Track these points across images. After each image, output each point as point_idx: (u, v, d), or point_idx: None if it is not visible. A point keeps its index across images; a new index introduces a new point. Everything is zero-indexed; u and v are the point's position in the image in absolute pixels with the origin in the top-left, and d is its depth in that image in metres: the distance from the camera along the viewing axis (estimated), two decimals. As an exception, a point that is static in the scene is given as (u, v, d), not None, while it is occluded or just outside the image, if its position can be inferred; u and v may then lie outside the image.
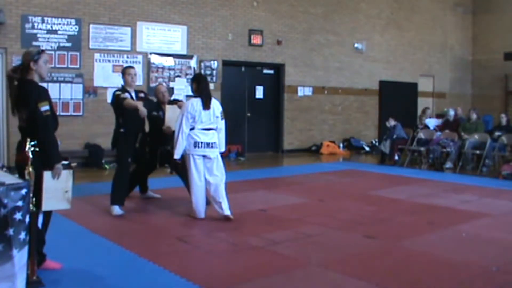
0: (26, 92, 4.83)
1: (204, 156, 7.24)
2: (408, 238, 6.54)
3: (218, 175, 7.29)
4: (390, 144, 14.17)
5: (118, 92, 7.75)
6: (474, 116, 13.97)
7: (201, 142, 7.18)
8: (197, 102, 7.20)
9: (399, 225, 7.32)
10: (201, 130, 7.20)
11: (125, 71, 7.92)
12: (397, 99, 19.13)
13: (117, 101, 7.63)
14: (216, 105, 7.38)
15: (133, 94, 7.86)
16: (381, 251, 6.00)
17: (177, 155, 7.20)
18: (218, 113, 7.38)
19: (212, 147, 7.26)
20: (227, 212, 7.22)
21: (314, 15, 17.20)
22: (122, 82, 8.01)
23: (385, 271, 5.28)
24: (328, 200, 9.02)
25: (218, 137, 7.37)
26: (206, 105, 7.21)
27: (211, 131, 7.28)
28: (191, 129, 7.19)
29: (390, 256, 5.83)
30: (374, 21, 19.02)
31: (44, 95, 4.86)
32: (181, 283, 4.88)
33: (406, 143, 14.15)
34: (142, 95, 8.17)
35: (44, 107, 4.76)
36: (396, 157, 14.11)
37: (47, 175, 4.70)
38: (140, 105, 7.52)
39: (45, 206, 4.78)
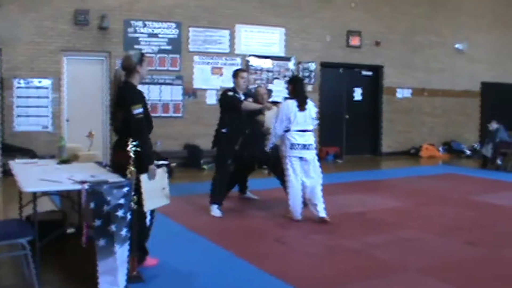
0: (124, 95, 4.97)
1: (301, 158, 7.25)
2: (511, 247, 6.33)
3: (314, 177, 7.30)
4: (492, 148, 13.70)
5: (231, 93, 7.89)
6: None
7: (298, 144, 7.20)
8: (292, 103, 7.28)
9: (502, 232, 7.09)
10: (297, 132, 7.23)
11: (237, 74, 8.00)
12: (500, 101, 18.42)
13: (232, 102, 7.80)
14: (311, 106, 7.45)
15: (242, 97, 7.95)
16: (482, 259, 5.83)
17: (267, 148, 7.62)
18: (314, 114, 7.45)
19: (308, 148, 7.28)
20: (322, 214, 7.22)
21: (415, 15, 16.87)
22: (225, 86, 8.12)
23: (485, 280, 5.14)
24: (427, 204, 8.85)
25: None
26: (302, 107, 7.27)
27: (307, 133, 7.31)
28: (287, 130, 7.24)
29: (491, 265, 5.65)
30: (478, 20, 18.42)
31: (138, 98, 4.95)
32: (277, 284, 4.93)
33: (509, 147, 13.64)
34: (250, 99, 8.27)
35: (137, 110, 4.83)
36: (499, 161, 13.62)
37: (144, 177, 4.84)
38: (263, 105, 7.98)
39: (147, 207, 4.94)
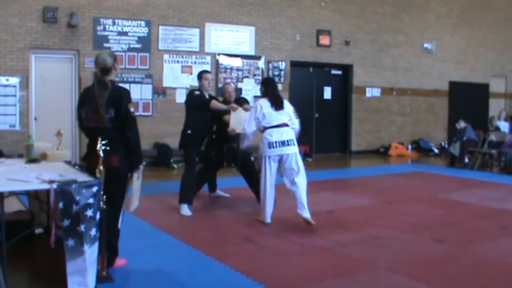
0: (118, 95, 4.93)
1: (281, 157, 7.01)
2: (478, 243, 6.42)
3: (299, 182, 6.95)
4: (460, 147, 13.88)
5: (198, 93, 7.91)
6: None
7: (275, 142, 6.95)
8: (264, 102, 7.14)
9: (468, 229, 7.19)
10: (273, 128, 7.00)
11: (202, 75, 8.04)
12: (468, 100, 18.71)
13: (199, 101, 7.82)
14: (288, 105, 7.29)
15: (208, 97, 8.02)
16: (449, 256, 5.90)
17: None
18: (290, 112, 7.24)
19: (288, 144, 6.99)
20: (306, 214, 6.93)
21: (383, 15, 17.03)
22: (196, 85, 8.16)
23: (453, 276, 5.21)
24: (396, 203, 8.94)
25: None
26: (276, 106, 7.10)
27: (285, 128, 7.05)
28: (263, 130, 7.06)
29: (459, 261, 5.73)
30: (444, 20, 18.67)
31: (130, 97, 5.05)
32: (247, 282, 4.93)
33: (476, 146, 13.84)
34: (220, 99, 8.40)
35: (132, 109, 4.96)
36: (466, 160, 13.80)
37: (134, 176, 4.89)
38: (229, 106, 7.95)
39: (134, 207, 4.98)
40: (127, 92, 5.05)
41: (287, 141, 7.00)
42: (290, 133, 7.08)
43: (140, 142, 5.05)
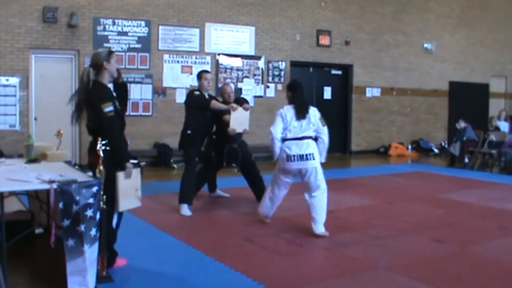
0: (92, 93, 4.92)
1: (299, 171, 6.62)
2: (478, 243, 6.42)
3: (317, 195, 6.60)
4: (460, 147, 13.88)
5: (198, 93, 7.91)
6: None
7: (293, 155, 6.51)
8: (288, 109, 6.67)
9: (469, 229, 7.18)
10: (293, 140, 6.56)
11: (201, 75, 8.02)
12: (468, 100, 18.72)
13: (199, 101, 7.82)
14: (313, 113, 6.76)
15: (207, 97, 8.01)
16: (449, 256, 5.90)
17: (274, 157, 6.76)
18: (314, 121, 6.69)
19: (306, 159, 6.52)
20: (318, 230, 6.57)
21: (383, 15, 17.02)
22: (196, 85, 8.16)
23: (453, 276, 5.20)
24: (396, 203, 8.93)
25: (318, 147, 6.68)
26: (300, 115, 6.62)
27: (305, 140, 6.57)
28: (283, 141, 6.60)
29: (459, 262, 5.73)
30: (444, 20, 18.67)
31: (107, 96, 4.92)
32: (247, 282, 4.93)
33: (476, 146, 13.84)
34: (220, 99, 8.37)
35: (108, 108, 4.81)
36: (466, 160, 13.79)
37: (120, 176, 4.83)
38: (230, 106, 7.90)
39: (122, 207, 4.92)
40: (101, 91, 4.95)
41: (307, 155, 6.52)
42: (311, 147, 6.59)
43: (119, 142, 4.85)
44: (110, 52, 5.12)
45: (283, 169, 6.71)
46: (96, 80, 5.00)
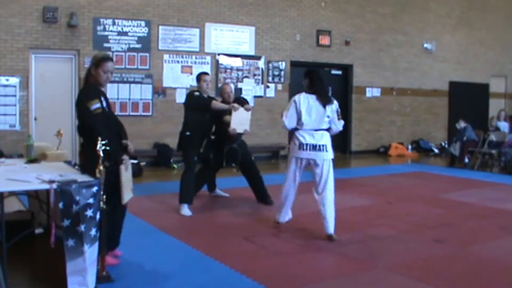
0: (80, 93, 5.02)
1: (309, 161, 6.49)
2: (478, 243, 6.42)
3: (328, 197, 6.51)
4: (460, 147, 13.88)
5: (198, 93, 7.89)
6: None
7: (307, 144, 6.35)
8: (305, 98, 6.42)
9: (469, 229, 7.19)
10: (308, 131, 6.40)
11: (200, 77, 7.98)
12: (468, 100, 18.71)
13: (200, 101, 7.81)
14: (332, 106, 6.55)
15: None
16: (450, 256, 5.90)
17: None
18: (330, 113, 6.47)
19: (319, 149, 6.37)
20: (328, 230, 6.46)
21: (383, 15, 17.03)
22: (195, 85, 8.15)
23: (453, 276, 5.20)
24: (396, 203, 8.93)
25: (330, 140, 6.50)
26: (324, 101, 6.40)
27: (319, 132, 6.43)
28: (296, 129, 6.46)
29: (459, 262, 5.74)
30: (444, 20, 18.67)
31: (92, 94, 4.91)
32: (247, 283, 4.93)
33: (476, 146, 13.84)
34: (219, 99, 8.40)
35: (94, 106, 4.81)
36: (466, 160, 13.80)
37: (122, 169, 4.86)
38: (231, 105, 7.91)
39: (126, 199, 4.97)
40: (87, 89, 5.00)
41: (320, 145, 6.37)
42: (325, 138, 6.45)
43: (106, 136, 4.71)
44: (103, 59, 5.07)
45: (295, 158, 6.52)
46: (86, 80, 5.07)
